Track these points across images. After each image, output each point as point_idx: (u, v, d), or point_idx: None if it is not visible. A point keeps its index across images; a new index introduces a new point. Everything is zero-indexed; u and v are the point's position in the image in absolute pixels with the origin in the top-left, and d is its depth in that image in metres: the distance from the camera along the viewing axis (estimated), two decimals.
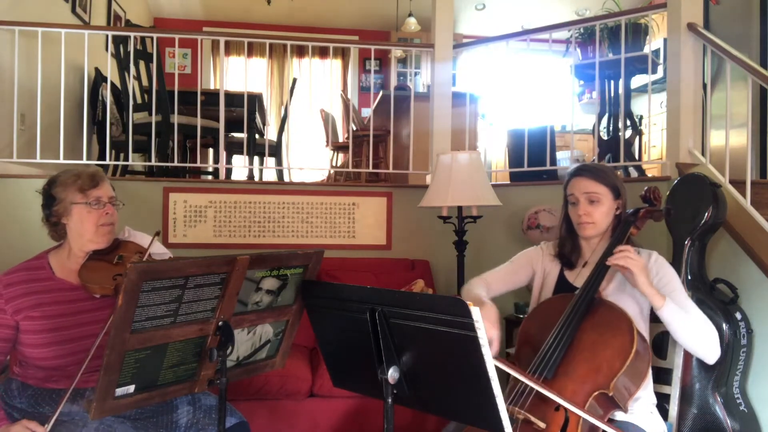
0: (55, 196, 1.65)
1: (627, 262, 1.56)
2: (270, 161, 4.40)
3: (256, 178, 4.11)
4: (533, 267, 1.89)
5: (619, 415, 1.54)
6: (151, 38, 3.65)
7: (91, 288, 1.62)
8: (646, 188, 1.80)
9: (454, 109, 3.65)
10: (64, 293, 1.65)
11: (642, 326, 1.65)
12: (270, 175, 4.52)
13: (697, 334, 1.57)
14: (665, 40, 3.92)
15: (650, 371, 1.66)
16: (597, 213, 1.71)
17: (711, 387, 2.13)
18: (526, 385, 1.48)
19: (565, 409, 1.43)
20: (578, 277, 1.76)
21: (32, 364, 1.64)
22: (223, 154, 3.75)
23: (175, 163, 3.67)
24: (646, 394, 1.64)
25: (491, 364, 1.06)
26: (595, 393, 1.46)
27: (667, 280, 1.66)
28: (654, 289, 1.56)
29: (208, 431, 1.64)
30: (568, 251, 1.81)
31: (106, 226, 1.67)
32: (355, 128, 4.81)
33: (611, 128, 3.75)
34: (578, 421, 1.42)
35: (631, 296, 1.67)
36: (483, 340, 1.06)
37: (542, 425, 1.42)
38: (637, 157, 3.88)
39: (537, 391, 1.43)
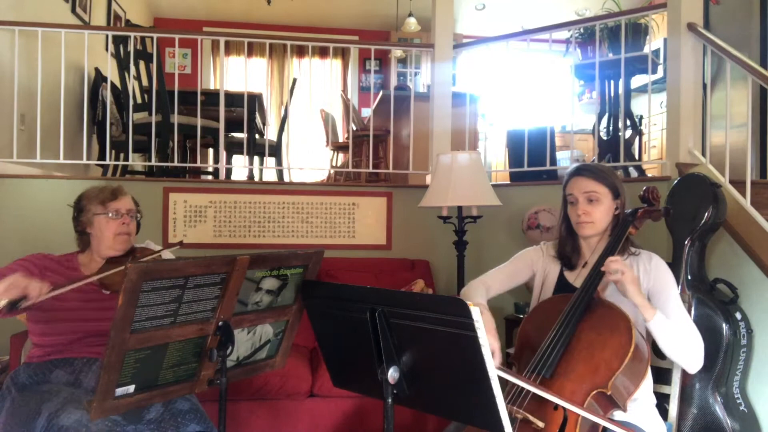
0: (82, 207, 1.87)
1: (616, 277, 1.53)
2: (270, 161, 4.40)
3: (256, 178, 4.12)
4: (533, 268, 1.88)
5: (618, 415, 1.54)
6: (151, 38, 3.64)
7: (104, 282, 1.73)
8: (644, 188, 1.79)
9: (454, 109, 3.65)
10: (84, 290, 1.75)
11: (642, 326, 1.64)
12: (270, 175, 4.53)
13: (682, 348, 1.56)
14: (665, 40, 3.93)
15: (649, 371, 1.66)
16: (596, 212, 1.70)
17: (711, 387, 2.13)
18: None
19: (564, 408, 1.44)
20: (578, 278, 1.76)
21: (34, 342, 1.80)
22: (223, 154, 3.75)
23: (175, 163, 3.68)
24: (645, 393, 1.64)
25: (491, 364, 1.06)
26: (594, 392, 1.45)
27: (662, 286, 1.65)
28: (645, 300, 1.54)
29: None
30: (568, 251, 1.80)
31: (122, 235, 1.85)
32: (355, 128, 4.81)
33: (611, 128, 3.75)
34: (577, 419, 1.42)
35: None
36: (483, 340, 1.06)
37: (541, 424, 1.42)
38: (637, 157, 3.88)
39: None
